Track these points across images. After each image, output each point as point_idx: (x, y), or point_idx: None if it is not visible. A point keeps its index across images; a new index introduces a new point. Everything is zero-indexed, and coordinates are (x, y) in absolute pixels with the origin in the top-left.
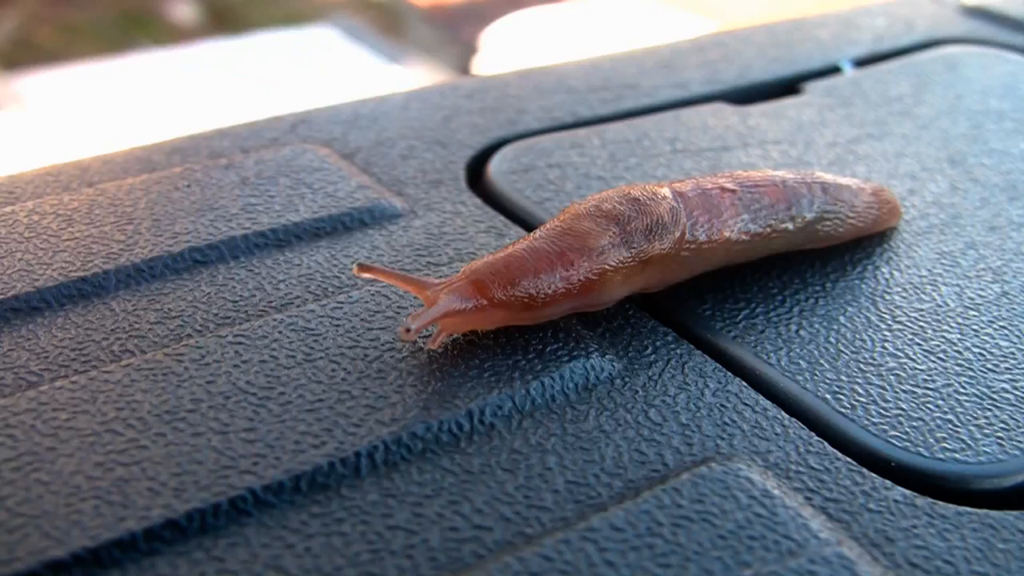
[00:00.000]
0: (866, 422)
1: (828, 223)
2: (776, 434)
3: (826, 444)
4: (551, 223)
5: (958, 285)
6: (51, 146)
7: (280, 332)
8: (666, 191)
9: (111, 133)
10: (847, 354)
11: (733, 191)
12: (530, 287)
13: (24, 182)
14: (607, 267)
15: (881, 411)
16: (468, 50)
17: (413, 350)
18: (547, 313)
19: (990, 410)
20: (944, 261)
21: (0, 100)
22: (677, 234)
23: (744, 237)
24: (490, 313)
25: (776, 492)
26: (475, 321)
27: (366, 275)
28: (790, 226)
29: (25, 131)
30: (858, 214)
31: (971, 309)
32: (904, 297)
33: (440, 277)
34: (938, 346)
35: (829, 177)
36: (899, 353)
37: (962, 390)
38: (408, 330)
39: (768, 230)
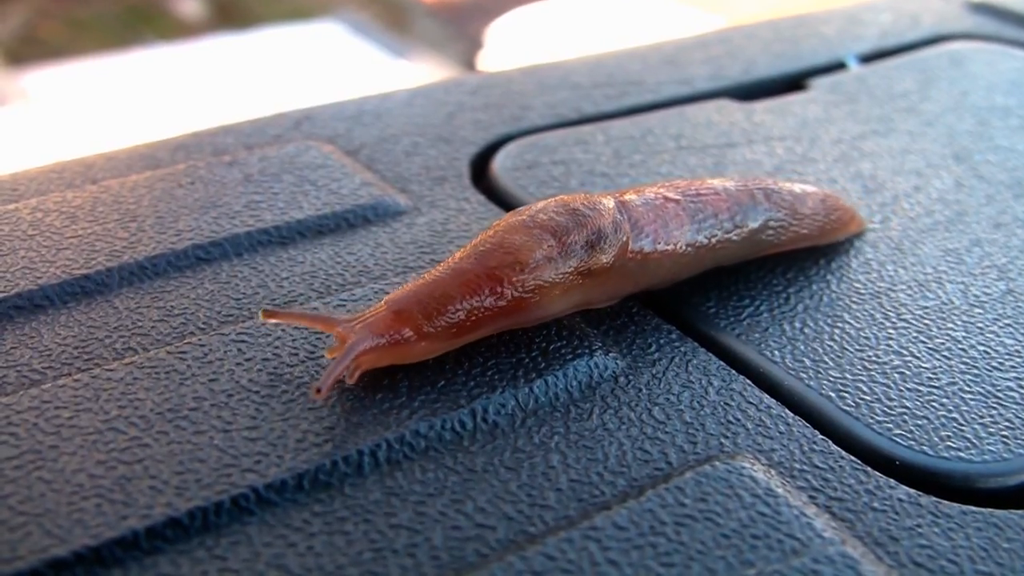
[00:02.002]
0: (870, 420)
1: (771, 231)
2: (780, 432)
3: (830, 442)
4: (481, 237)
5: (963, 282)
6: (57, 141)
7: (283, 330)
8: (609, 201)
9: (117, 129)
10: (851, 352)
11: (677, 201)
12: (458, 313)
13: (28, 179)
14: (543, 282)
15: (885, 409)
16: (474, 46)
17: None
18: (476, 335)
19: (995, 408)
20: (949, 258)
21: (6, 95)
22: (620, 245)
23: (690, 249)
24: (413, 346)
25: (780, 491)
26: (396, 355)
27: (272, 320)
28: (734, 236)
29: (31, 126)
30: (801, 221)
31: (976, 307)
32: (909, 295)
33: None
34: (943, 344)
35: (771, 182)
36: (904, 351)
37: (967, 388)
38: (319, 390)
39: (714, 240)
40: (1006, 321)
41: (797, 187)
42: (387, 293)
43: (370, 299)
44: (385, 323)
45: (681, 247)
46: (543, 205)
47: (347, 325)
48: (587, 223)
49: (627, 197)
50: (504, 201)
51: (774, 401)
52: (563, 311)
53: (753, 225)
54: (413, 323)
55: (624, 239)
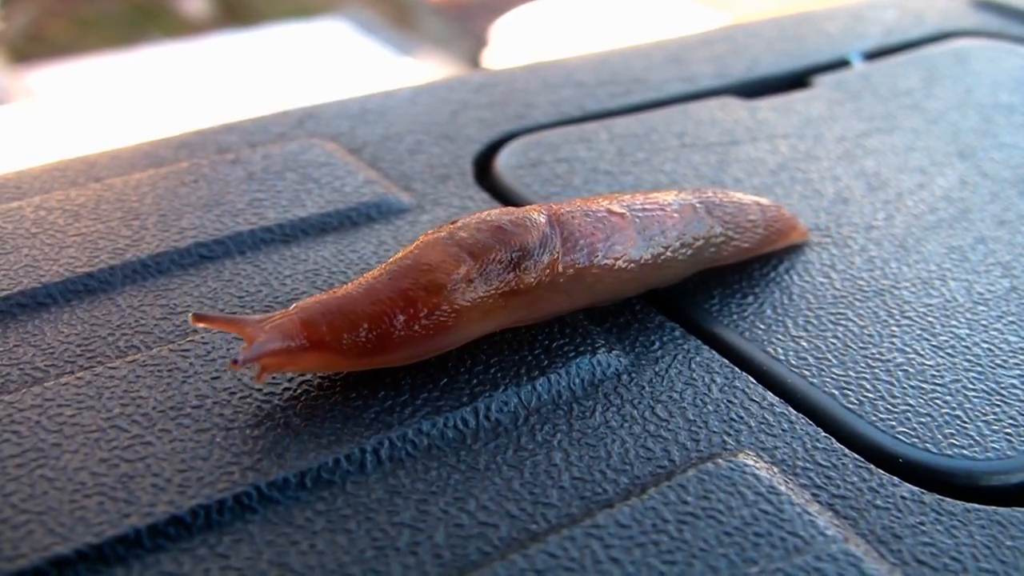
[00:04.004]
0: (874, 418)
1: (713, 248)
2: (783, 430)
3: (833, 440)
4: (400, 254)
5: (967, 280)
6: (61, 139)
7: None
8: (539, 216)
9: (121, 126)
10: (855, 349)
11: (622, 215)
12: (365, 332)
13: (31, 177)
14: (460, 305)
15: (889, 407)
16: (478, 43)
17: None
18: (391, 359)
19: (999, 406)
20: (953, 256)
21: (11, 93)
22: (547, 262)
23: (633, 265)
24: (318, 357)
25: (783, 488)
26: (301, 362)
27: (201, 324)
28: (680, 254)
29: (36, 124)
30: (742, 235)
31: (980, 304)
32: (913, 292)
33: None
34: (947, 342)
35: (711, 194)
36: (907, 348)
37: (971, 386)
38: (235, 362)
39: (660, 257)
40: (1010, 318)
41: (738, 197)
42: None
43: None
44: (291, 327)
45: (623, 263)
46: (467, 221)
47: (256, 326)
48: (510, 240)
49: (564, 210)
50: (507, 199)
51: (777, 399)
52: (489, 332)
53: (698, 242)
54: (317, 334)
55: (553, 256)
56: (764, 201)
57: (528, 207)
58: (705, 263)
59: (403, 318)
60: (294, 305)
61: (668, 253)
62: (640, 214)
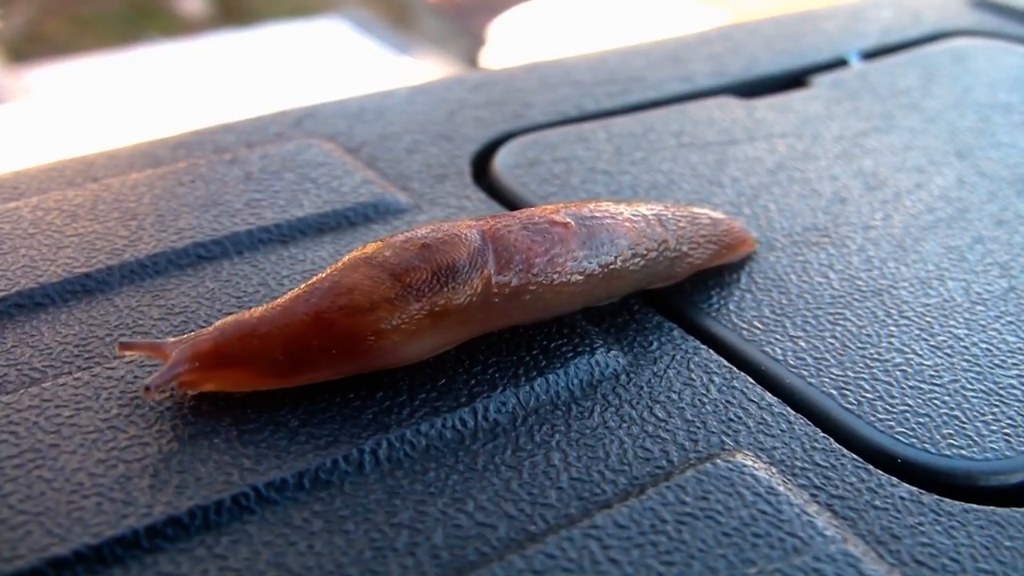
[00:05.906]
0: (872, 418)
1: (667, 261)
2: (782, 430)
3: (832, 440)
4: (323, 273)
5: (965, 280)
6: (59, 139)
7: None
8: (471, 232)
9: (119, 126)
10: (853, 349)
11: (565, 225)
12: (280, 353)
13: (29, 178)
14: (382, 328)
15: (887, 407)
16: (476, 42)
17: None
18: (313, 378)
19: (997, 406)
20: (951, 255)
21: (9, 92)
22: (478, 280)
23: (578, 277)
24: (232, 375)
25: (781, 489)
26: (215, 381)
27: (128, 353)
28: (631, 265)
29: (33, 123)
30: (695, 250)
31: (978, 304)
32: (911, 292)
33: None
34: (945, 342)
35: (663, 207)
36: (906, 348)
37: (969, 386)
38: (148, 388)
39: (606, 266)
40: (1008, 318)
41: (690, 210)
42: None
43: None
44: (206, 349)
45: (566, 275)
46: (394, 239)
47: (172, 345)
48: (436, 259)
49: (501, 224)
50: (505, 199)
51: (775, 399)
52: (422, 354)
53: (651, 253)
54: (231, 357)
55: (486, 274)
56: (715, 214)
57: (463, 222)
58: (658, 277)
59: (319, 340)
60: (215, 324)
61: (618, 263)
62: (588, 222)
